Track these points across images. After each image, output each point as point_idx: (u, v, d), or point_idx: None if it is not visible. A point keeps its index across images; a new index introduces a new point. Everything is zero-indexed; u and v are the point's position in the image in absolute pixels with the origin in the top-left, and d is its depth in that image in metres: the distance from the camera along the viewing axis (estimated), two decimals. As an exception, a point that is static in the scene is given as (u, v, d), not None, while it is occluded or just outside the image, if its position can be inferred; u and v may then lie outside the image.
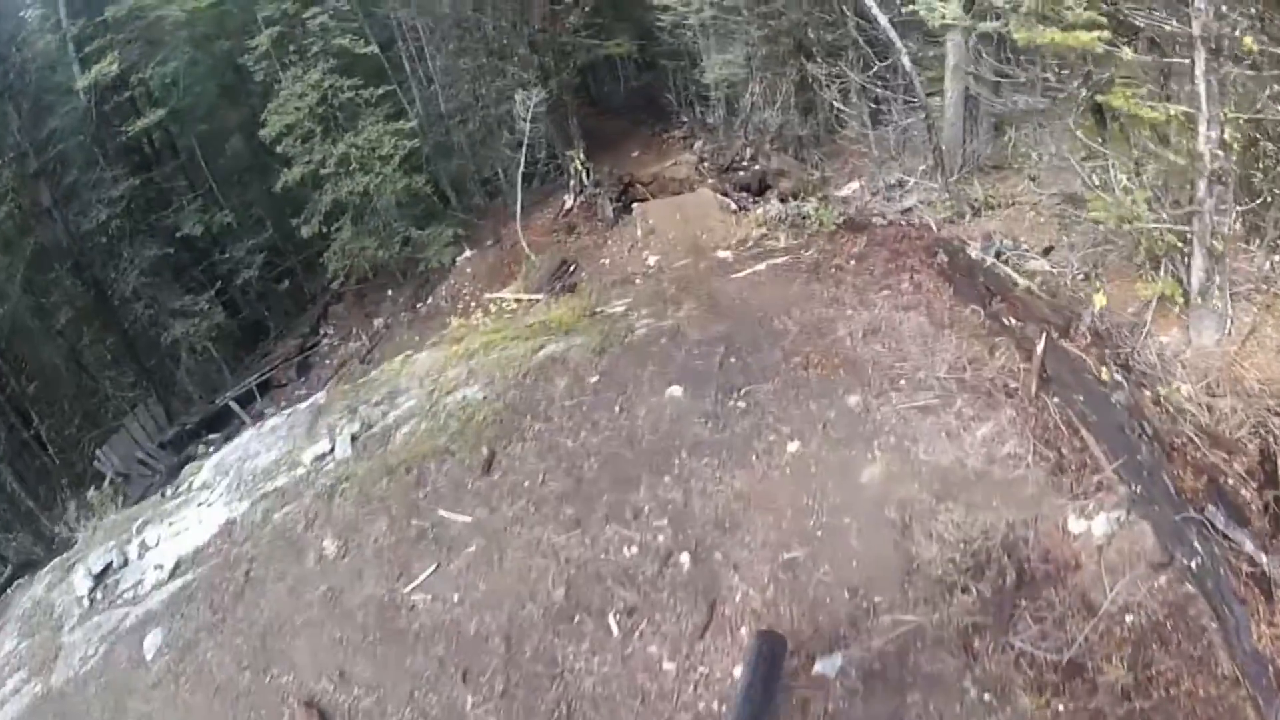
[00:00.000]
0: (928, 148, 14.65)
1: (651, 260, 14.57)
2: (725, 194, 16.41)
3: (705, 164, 18.74)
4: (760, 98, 17.72)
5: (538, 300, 14.98)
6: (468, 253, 20.01)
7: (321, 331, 21.63)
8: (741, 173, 17.51)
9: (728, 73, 18.53)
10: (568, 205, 18.88)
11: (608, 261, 15.67)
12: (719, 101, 19.53)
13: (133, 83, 21.09)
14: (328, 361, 20.45)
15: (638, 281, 13.85)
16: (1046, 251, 12.13)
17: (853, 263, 12.63)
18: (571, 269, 16.13)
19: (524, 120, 17.73)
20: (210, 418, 20.24)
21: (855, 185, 15.48)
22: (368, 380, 12.83)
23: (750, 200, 16.39)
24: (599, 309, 12.69)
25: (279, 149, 19.02)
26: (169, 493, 12.48)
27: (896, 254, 12.50)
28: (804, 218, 14.30)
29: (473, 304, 17.27)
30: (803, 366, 10.08)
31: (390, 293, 21.12)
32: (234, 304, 22.55)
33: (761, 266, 12.79)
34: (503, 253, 19.30)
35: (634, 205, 17.04)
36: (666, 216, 15.58)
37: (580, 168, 18.49)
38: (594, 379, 10.85)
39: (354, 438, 10.70)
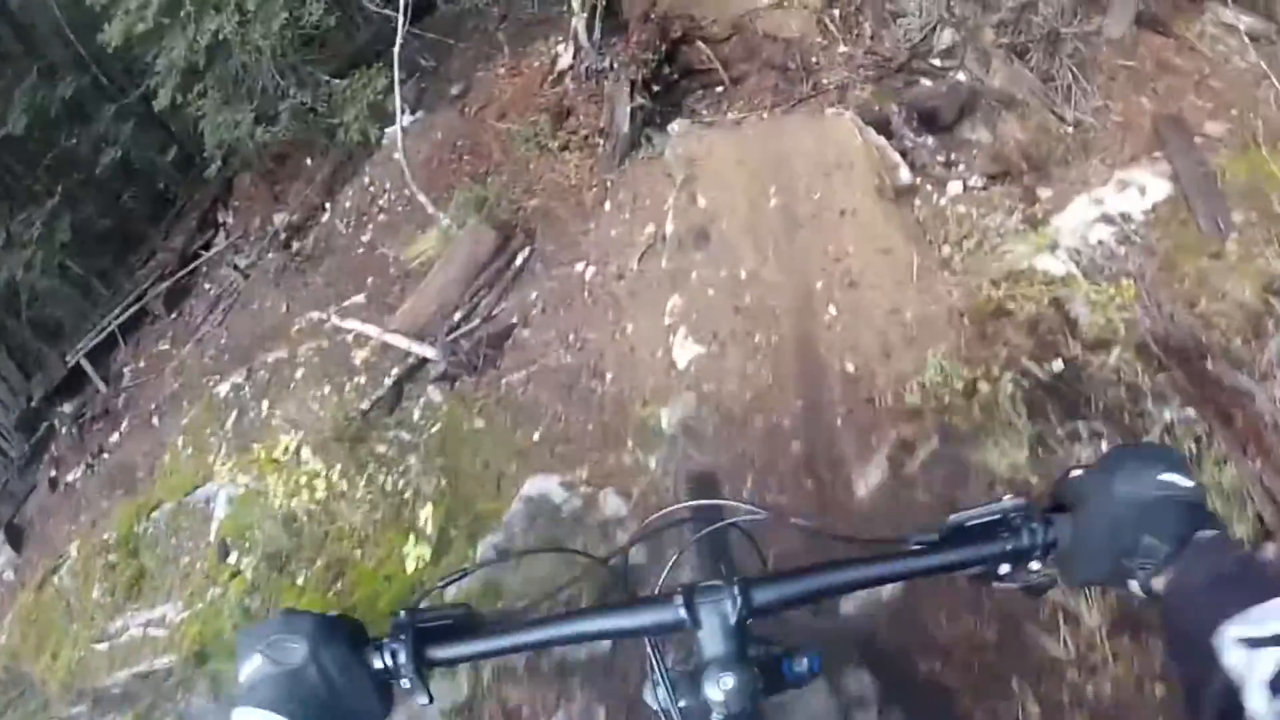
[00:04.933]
0: None
1: (681, 356, 4.65)
2: (886, 123, 6.11)
3: (839, 5, 7.83)
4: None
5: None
6: (408, 117, 10.13)
7: (221, 220, 12.30)
8: (926, 80, 6.74)
9: None
10: (561, 64, 8.58)
11: (591, 270, 6.40)
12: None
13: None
14: (207, 287, 11.58)
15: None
16: None
17: None
18: (518, 259, 6.79)
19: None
20: (62, 383, 12.42)
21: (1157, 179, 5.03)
22: None
23: (939, 157, 5.99)
24: None
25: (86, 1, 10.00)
26: None
27: None
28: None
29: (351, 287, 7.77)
30: None
31: (309, 163, 11.86)
32: (104, 194, 13.55)
33: None
34: (466, 124, 9.70)
35: (676, 125, 6.76)
36: (742, 189, 5.46)
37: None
38: None
39: None
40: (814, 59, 7.96)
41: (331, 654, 1.08)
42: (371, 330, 6.47)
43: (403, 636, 1.12)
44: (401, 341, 6.19)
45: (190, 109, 10.37)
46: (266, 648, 1.08)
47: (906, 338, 4.79)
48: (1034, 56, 7.29)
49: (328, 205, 9.99)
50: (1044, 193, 6.29)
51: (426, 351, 6.02)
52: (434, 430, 5.68)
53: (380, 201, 9.22)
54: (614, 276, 5.75)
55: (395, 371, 6.23)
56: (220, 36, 9.25)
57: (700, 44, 7.85)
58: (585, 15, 7.95)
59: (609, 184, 6.71)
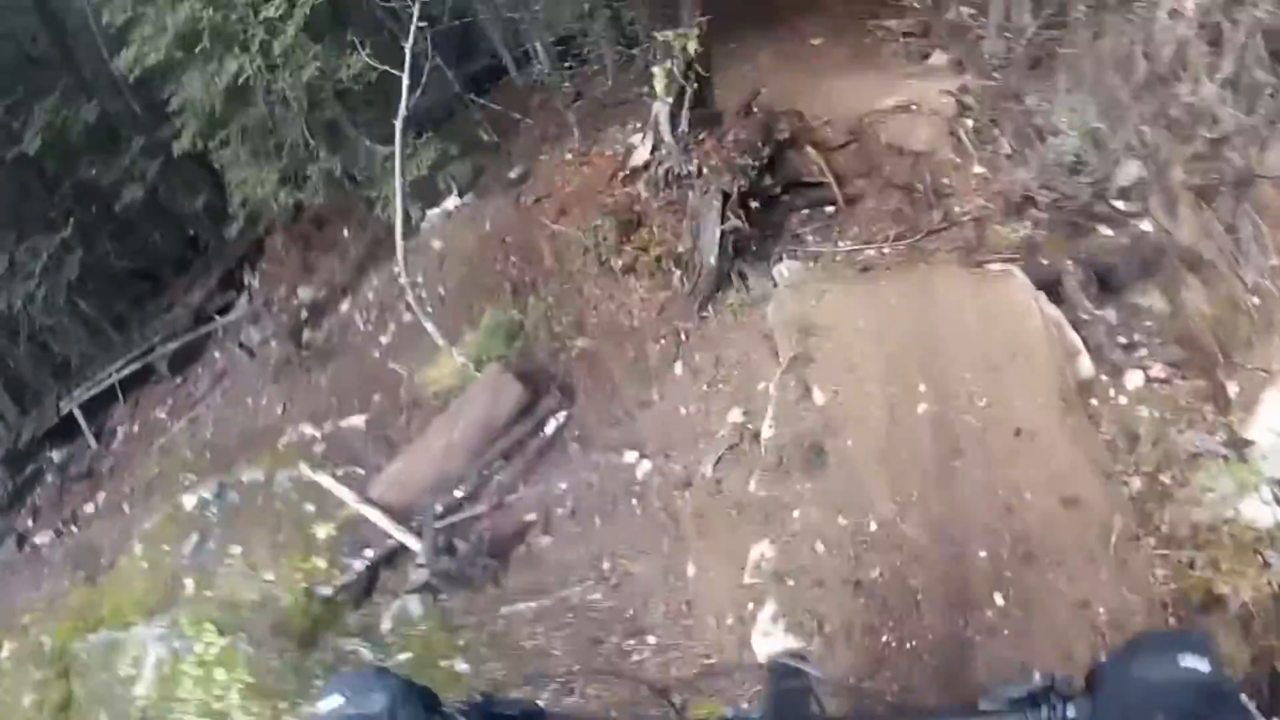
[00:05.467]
0: None
1: (764, 646, 2.79)
2: (1055, 284, 4.23)
3: (971, 115, 6.13)
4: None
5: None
6: (452, 201, 8.72)
7: (245, 282, 10.83)
8: (1105, 228, 4.94)
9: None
10: (635, 160, 6.96)
11: (646, 466, 4.58)
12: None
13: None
14: (216, 356, 10.06)
15: None
16: None
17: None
18: (548, 425, 4.80)
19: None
20: (56, 426, 11.05)
21: None
22: None
23: (1120, 337, 4.23)
24: None
25: (105, 19, 8.63)
26: None
27: None
28: None
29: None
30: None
31: (345, 234, 10.27)
32: (126, 233, 12.04)
33: None
34: (519, 217, 8.01)
35: (785, 268, 5.12)
36: (877, 384, 3.68)
37: (670, 79, 6.29)
38: None
39: None
40: (945, 179, 6.30)
41: (407, 712, 1.18)
42: (347, 495, 4.84)
43: (472, 713, 1.23)
44: (381, 519, 4.55)
45: (212, 157, 9.15)
46: (351, 691, 1.17)
47: (1100, 649, 3.03)
48: (1219, 203, 5.58)
49: (350, 293, 8.50)
50: (1232, 387, 4.63)
51: (410, 541, 4.39)
52: (402, 658, 4.01)
53: (408, 297, 7.70)
54: (678, 483, 4.03)
55: (371, 553, 4.60)
56: (241, 81, 7.95)
57: (810, 150, 6.22)
58: (669, 101, 6.39)
59: (683, 335, 4.99)
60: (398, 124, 6.35)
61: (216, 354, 10.15)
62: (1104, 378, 4.47)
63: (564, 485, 4.43)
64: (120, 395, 10.72)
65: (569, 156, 8.62)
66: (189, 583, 6.13)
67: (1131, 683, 1.07)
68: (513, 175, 8.98)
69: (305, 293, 9.78)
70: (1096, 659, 1.13)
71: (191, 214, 12.08)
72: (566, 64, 9.88)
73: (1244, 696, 1.07)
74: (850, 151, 6.29)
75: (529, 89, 10.67)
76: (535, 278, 6.75)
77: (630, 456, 4.36)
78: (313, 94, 8.30)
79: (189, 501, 7.11)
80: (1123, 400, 4.32)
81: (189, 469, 7.81)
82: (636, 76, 8.97)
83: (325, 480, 5.09)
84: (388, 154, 8.65)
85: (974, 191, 6.24)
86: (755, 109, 6.36)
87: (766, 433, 3.74)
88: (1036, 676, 1.14)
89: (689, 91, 6.36)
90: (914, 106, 6.71)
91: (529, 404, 4.88)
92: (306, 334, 8.22)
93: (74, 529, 9.23)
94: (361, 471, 5.59)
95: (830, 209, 6.16)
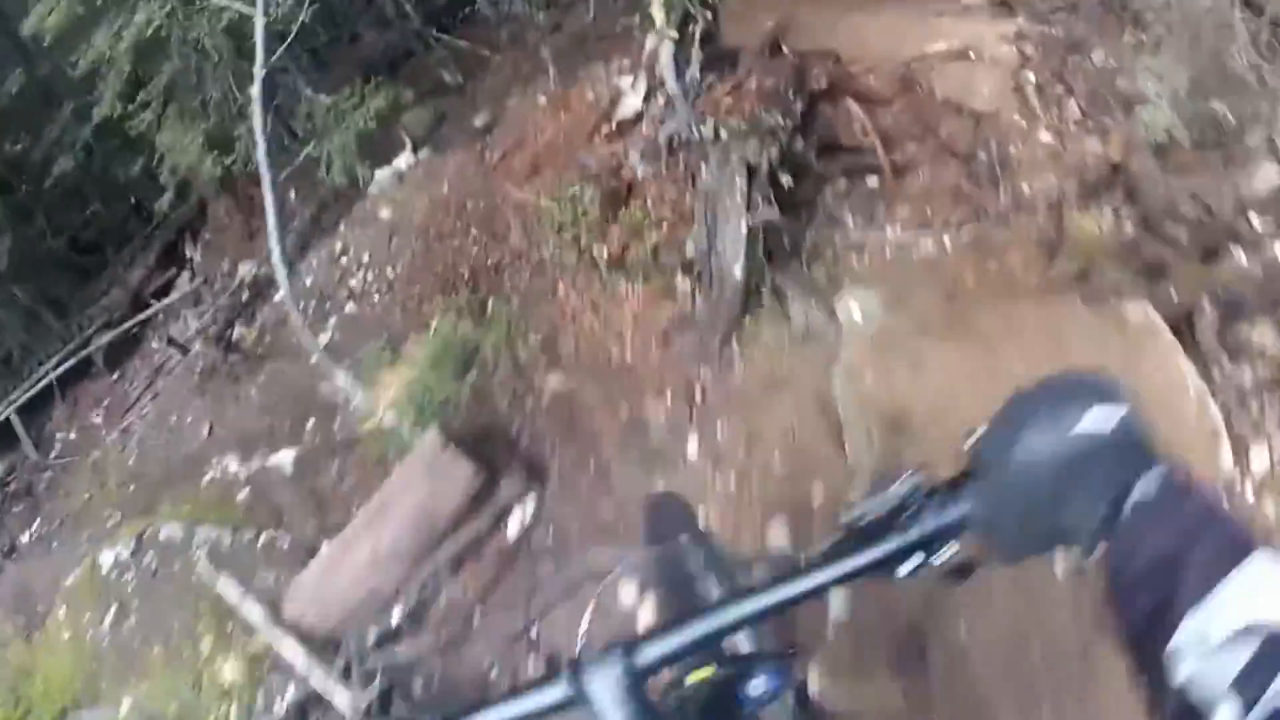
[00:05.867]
0: None
1: None
2: (1184, 325, 3.26)
3: (1031, 67, 4.58)
4: None
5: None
6: (405, 159, 7.56)
7: (188, 256, 9.51)
8: (1238, 250, 3.85)
9: None
10: (623, 110, 5.52)
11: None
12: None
13: None
14: (155, 347, 9.00)
15: None
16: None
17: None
18: (509, 522, 3.71)
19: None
20: None
21: None
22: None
23: (1255, 401, 3.22)
24: None
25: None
26: None
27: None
28: None
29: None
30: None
31: (293, 196, 8.61)
32: (60, 208, 10.65)
33: None
34: (483, 175, 6.53)
35: (853, 300, 3.93)
36: None
37: (672, 7, 4.77)
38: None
39: None
40: (1010, 148, 4.86)
41: None
42: (257, 618, 3.57)
43: None
44: (297, 655, 3.33)
45: (133, 122, 7.72)
46: None
47: None
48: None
49: (290, 274, 7.15)
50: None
51: (333, 693, 3.17)
52: None
53: (351, 283, 6.34)
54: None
55: (291, 692, 3.40)
56: (152, 32, 6.53)
57: (852, 105, 4.75)
58: (673, 33, 4.86)
59: (698, 388, 3.57)
60: (255, 86, 4.80)
61: (154, 344, 8.82)
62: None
63: (537, 624, 3.14)
64: (59, 393, 9.45)
65: (543, 100, 7.13)
66: (107, 680, 5.03)
67: (1027, 453, 0.81)
68: (478, 123, 7.52)
69: (246, 268, 8.41)
70: (976, 428, 0.87)
71: (130, 180, 10.63)
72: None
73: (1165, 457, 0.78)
74: (898, 107, 4.81)
75: (500, 19, 9.10)
76: (500, 261, 5.36)
77: (631, 589, 3.06)
78: (238, 41, 6.89)
79: (106, 560, 5.92)
80: (1249, 489, 3.05)
81: (113, 502, 6.62)
82: (623, 3, 7.45)
83: (229, 589, 3.82)
84: (330, 103, 7.26)
85: (1043, 165, 4.84)
86: (783, 47, 4.88)
87: (839, 603, 2.43)
88: (902, 477, 0.91)
89: (700, 24, 4.91)
90: (971, 54, 5.20)
91: (483, 488, 3.55)
92: (237, 330, 6.89)
93: (9, 566, 8.16)
94: (285, 542, 4.37)
95: (873, 182, 4.76)
